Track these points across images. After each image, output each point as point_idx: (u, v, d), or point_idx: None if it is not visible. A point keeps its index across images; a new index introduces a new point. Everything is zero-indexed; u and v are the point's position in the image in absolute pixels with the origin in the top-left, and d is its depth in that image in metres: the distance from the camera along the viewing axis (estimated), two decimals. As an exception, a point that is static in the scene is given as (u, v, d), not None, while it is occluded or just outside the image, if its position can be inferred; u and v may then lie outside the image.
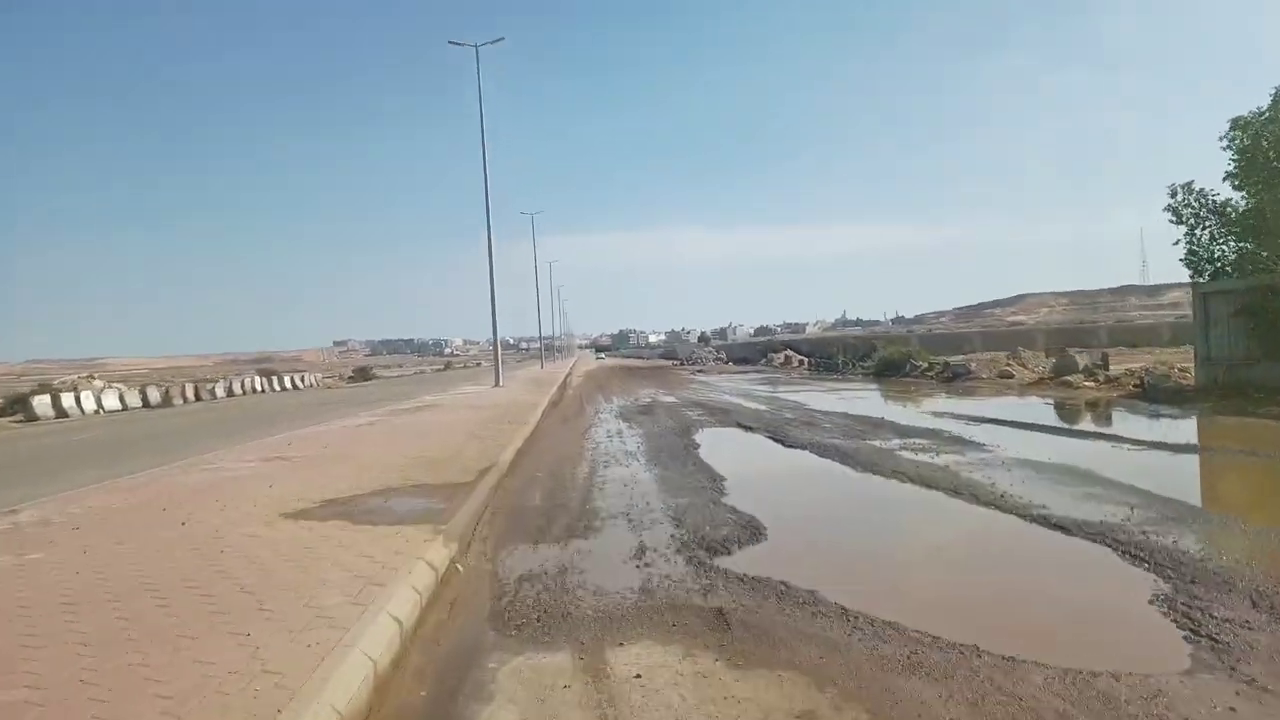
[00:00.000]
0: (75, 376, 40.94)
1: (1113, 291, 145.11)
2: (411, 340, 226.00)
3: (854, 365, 35.36)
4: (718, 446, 12.51)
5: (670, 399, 23.40)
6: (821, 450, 11.21)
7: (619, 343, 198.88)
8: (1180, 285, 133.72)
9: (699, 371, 46.52)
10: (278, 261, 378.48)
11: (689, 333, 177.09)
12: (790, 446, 11.98)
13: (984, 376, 25.27)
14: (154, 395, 32.74)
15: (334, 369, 73.69)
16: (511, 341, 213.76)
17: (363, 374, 55.48)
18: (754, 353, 57.53)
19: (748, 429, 14.52)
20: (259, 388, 41.91)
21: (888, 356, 30.89)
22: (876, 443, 11.67)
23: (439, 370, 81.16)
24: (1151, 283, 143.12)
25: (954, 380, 25.59)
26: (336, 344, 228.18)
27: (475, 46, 28.81)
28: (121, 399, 31.15)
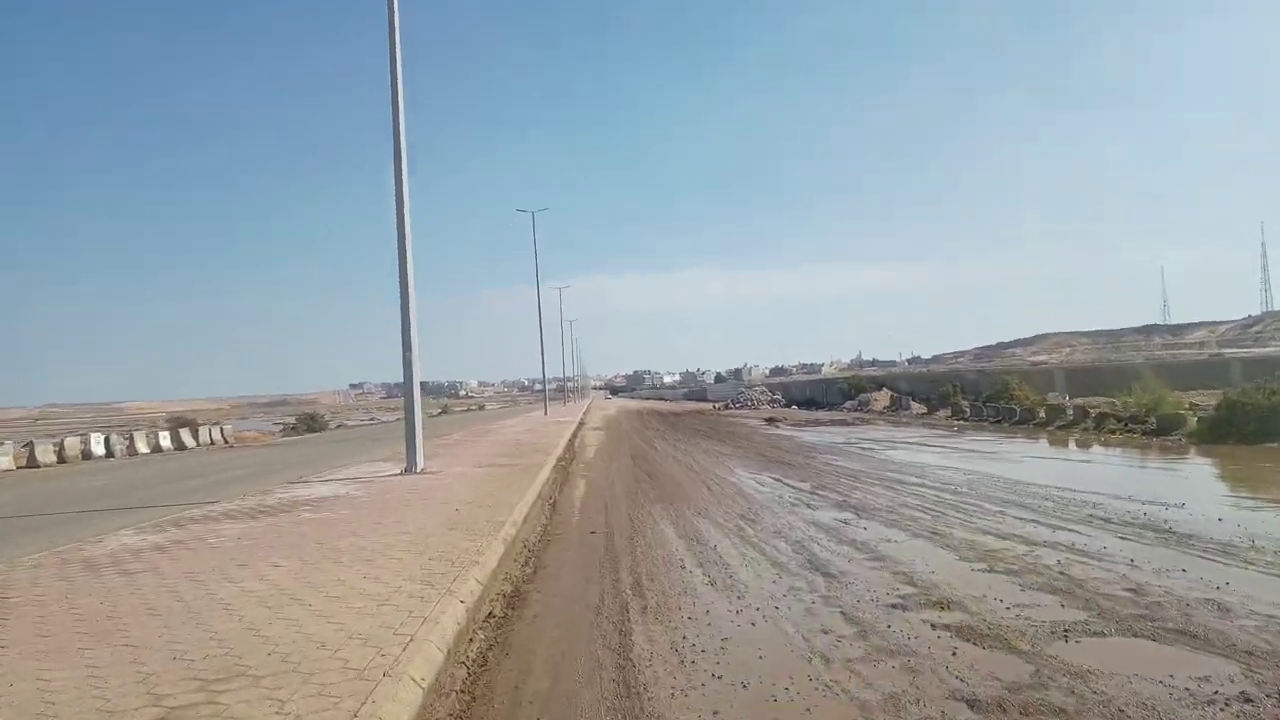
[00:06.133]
0: None
1: (1136, 330, 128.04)
2: (427, 383, 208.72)
3: (1100, 422, 17.90)
4: None
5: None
6: None
7: (634, 383, 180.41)
8: (1206, 324, 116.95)
9: (771, 421, 29.12)
10: (302, 305, 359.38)
11: (704, 373, 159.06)
12: None
13: None
14: None
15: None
16: (526, 383, 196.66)
17: (309, 423, 38.22)
18: (827, 392, 39.98)
19: None
20: (105, 450, 24.79)
21: (1240, 399, 13.37)
22: None
23: (433, 415, 64.13)
24: (1173, 322, 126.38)
25: None
26: (353, 386, 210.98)
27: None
28: None
